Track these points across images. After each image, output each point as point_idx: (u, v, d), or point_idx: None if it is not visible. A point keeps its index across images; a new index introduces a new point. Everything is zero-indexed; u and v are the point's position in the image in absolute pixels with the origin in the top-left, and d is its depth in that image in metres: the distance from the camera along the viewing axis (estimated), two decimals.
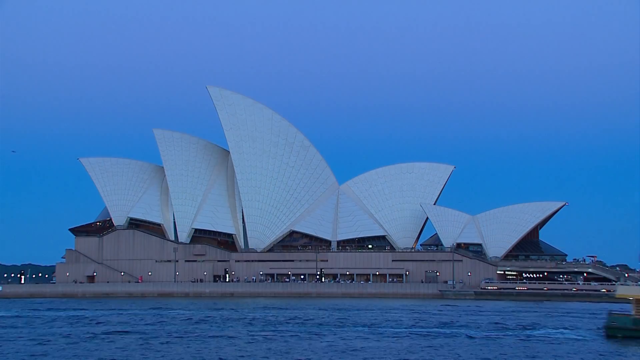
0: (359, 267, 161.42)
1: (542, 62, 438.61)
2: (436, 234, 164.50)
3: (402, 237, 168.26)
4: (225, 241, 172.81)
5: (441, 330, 69.68)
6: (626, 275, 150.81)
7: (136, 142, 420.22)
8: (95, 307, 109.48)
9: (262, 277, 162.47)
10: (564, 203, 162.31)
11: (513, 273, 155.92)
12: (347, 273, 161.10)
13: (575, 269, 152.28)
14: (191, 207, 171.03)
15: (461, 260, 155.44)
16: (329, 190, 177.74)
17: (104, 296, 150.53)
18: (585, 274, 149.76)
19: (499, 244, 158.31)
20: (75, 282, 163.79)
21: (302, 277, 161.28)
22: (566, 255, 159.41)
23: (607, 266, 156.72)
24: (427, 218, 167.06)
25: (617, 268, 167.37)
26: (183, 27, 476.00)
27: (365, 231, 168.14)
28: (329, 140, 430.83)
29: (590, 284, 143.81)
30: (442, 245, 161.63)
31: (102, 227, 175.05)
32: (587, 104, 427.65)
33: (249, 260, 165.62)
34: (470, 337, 63.30)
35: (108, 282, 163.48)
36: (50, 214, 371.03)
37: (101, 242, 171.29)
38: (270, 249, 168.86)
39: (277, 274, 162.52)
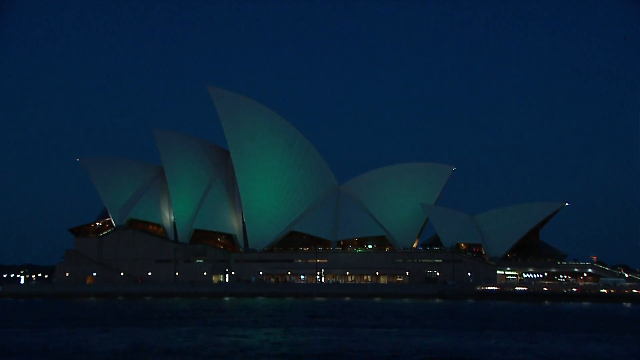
0: (359, 267, 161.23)
1: (541, 61, 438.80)
2: (436, 234, 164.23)
3: (402, 237, 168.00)
4: (226, 241, 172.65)
5: None
6: (627, 275, 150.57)
7: (136, 142, 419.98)
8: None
9: (262, 277, 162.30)
10: (563, 203, 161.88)
11: (513, 273, 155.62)
12: (347, 273, 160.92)
13: (576, 269, 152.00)
14: (191, 207, 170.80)
15: (461, 261, 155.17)
16: (329, 190, 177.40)
17: (104, 296, 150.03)
18: (585, 274, 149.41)
19: (499, 244, 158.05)
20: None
21: (302, 277, 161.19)
22: (566, 255, 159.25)
23: (608, 266, 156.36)
24: (427, 218, 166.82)
25: (619, 268, 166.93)
26: (183, 28, 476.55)
27: (365, 231, 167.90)
28: (329, 140, 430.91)
29: (590, 284, 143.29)
30: (442, 245, 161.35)
31: (102, 227, 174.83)
32: (588, 103, 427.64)
33: (249, 260, 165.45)
34: None
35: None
36: (50, 214, 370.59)
37: (101, 242, 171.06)
38: (270, 249, 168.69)
39: (277, 274, 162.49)
